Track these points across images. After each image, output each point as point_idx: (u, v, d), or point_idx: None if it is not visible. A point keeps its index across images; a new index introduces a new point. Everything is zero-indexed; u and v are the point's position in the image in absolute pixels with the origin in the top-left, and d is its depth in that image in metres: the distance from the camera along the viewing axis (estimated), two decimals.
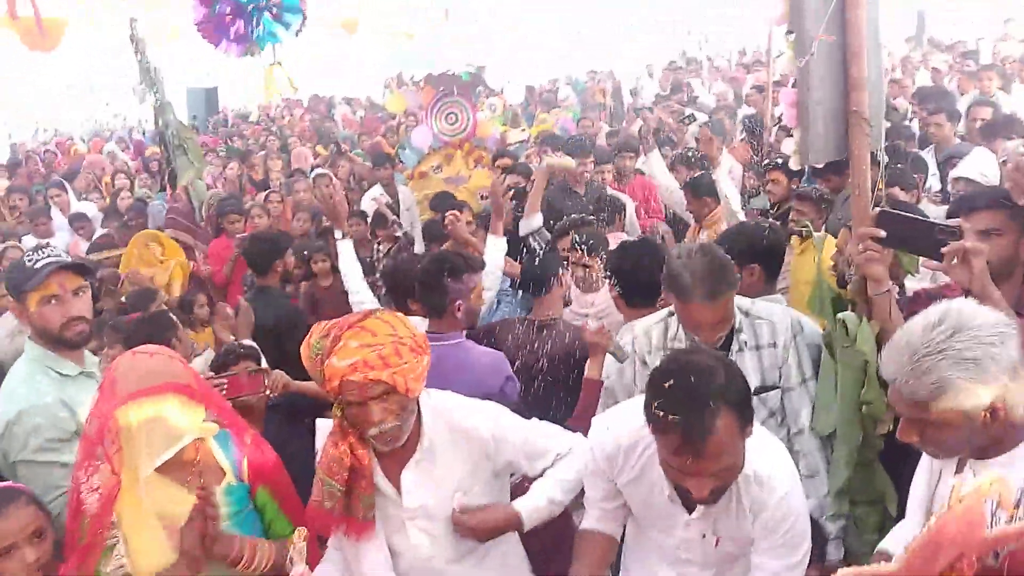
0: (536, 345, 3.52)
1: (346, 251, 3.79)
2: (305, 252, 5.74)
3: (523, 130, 9.89)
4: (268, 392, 2.98)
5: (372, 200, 6.99)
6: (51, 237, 7.39)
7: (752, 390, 2.01)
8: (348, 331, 2.03)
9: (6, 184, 10.06)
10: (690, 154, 6.43)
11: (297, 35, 3.35)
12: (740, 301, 2.66)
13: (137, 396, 1.97)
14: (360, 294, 3.74)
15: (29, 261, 2.53)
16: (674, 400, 1.78)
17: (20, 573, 2.12)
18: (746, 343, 2.64)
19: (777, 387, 2.65)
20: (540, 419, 2.40)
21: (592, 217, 4.72)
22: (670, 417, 1.77)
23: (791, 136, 2.59)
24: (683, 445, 1.78)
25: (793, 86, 2.38)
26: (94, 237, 7.26)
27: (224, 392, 2.74)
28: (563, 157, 4.88)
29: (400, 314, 2.21)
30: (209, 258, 6.31)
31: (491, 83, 7.95)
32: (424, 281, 3.25)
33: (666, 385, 1.81)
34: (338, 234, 3.82)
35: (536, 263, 3.71)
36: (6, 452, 2.44)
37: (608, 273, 3.30)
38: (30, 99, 16.75)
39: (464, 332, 3.32)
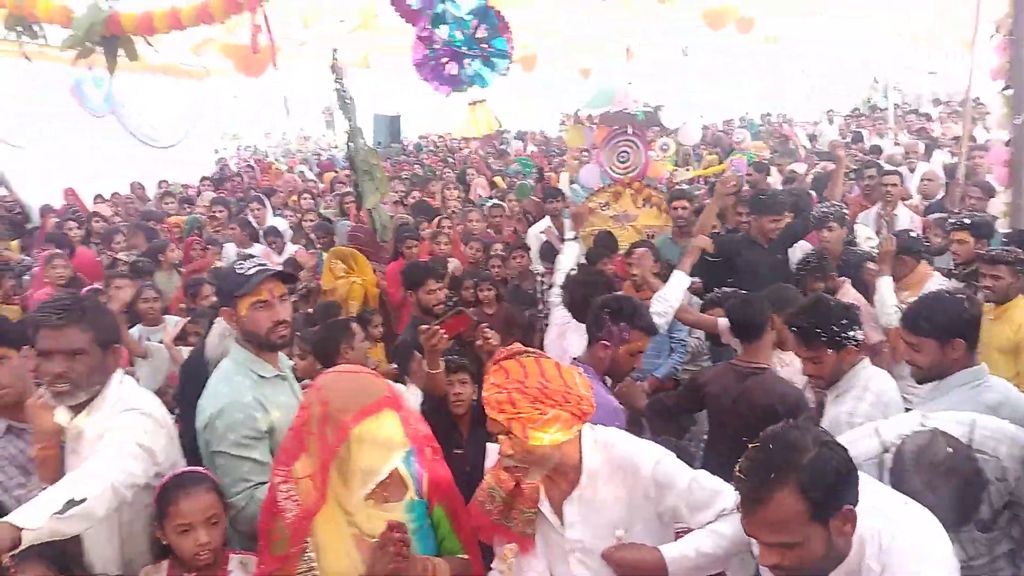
0: (741, 393, 3.52)
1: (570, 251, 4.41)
2: (474, 280, 5.95)
3: (687, 169, 9.77)
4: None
5: (540, 233, 7.11)
6: (249, 248, 8.06)
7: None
8: (494, 365, 2.13)
9: (211, 196, 11.07)
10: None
11: (504, 75, 3.53)
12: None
13: (363, 415, 1.99)
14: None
15: (240, 269, 2.74)
16: (748, 461, 1.80)
17: (191, 552, 2.32)
18: None
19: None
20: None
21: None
22: (738, 474, 1.81)
23: (991, 195, 2.44)
24: (742, 506, 1.81)
25: (1007, 144, 2.24)
26: (284, 252, 7.83)
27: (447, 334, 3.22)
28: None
29: (553, 362, 2.17)
30: (388, 279, 6.63)
31: (666, 122, 7.90)
32: (587, 310, 3.35)
33: (752, 446, 1.83)
34: (569, 234, 4.40)
35: (749, 309, 3.68)
36: (208, 442, 2.64)
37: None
38: (234, 119, 18.33)
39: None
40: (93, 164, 12.18)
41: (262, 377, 2.75)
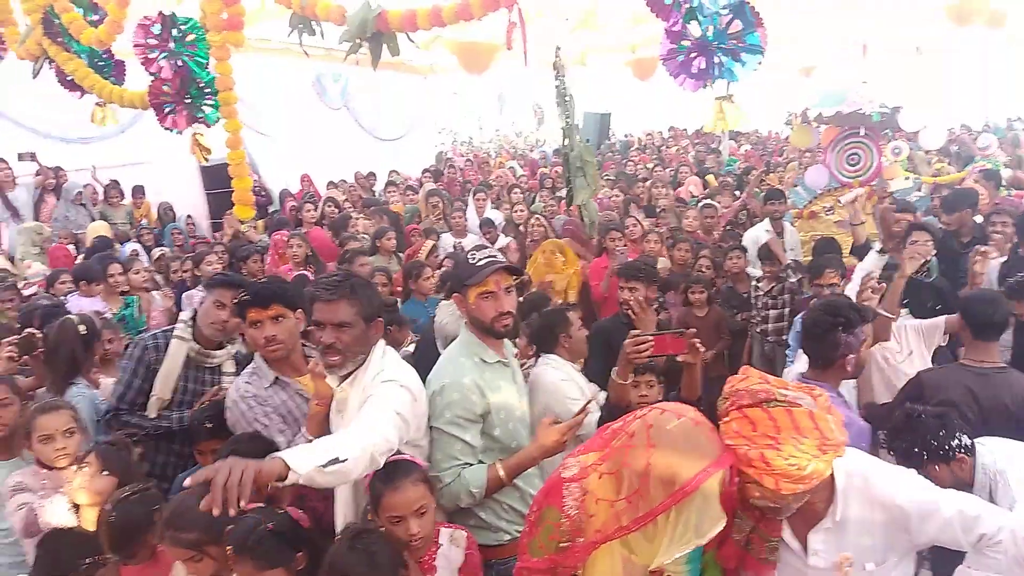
0: (989, 391, 3.32)
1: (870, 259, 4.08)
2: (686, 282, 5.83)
3: (906, 178, 8.97)
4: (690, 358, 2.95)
5: (766, 231, 6.83)
6: (464, 238, 8.39)
7: None
8: (735, 410, 1.93)
9: (431, 187, 11.62)
10: None
11: (755, 71, 3.40)
12: None
13: (702, 479, 1.77)
14: None
15: (471, 259, 2.85)
16: None
17: (404, 540, 2.39)
18: None
19: None
20: None
21: None
22: None
23: None
24: None
25: None
26: (497, 242, 8.07)
27: (651, 349, 2.83)
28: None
29: (805, 411, 1.93)
30: (591, 274, 6.66)
31: (904, 125, 7.32)
32: (812, 331, 3.09)
33: None
34: (876, 246, 4.04)
35: (995, 308, 3.48)
36: (429, 415, 2.76)
37: None
38: (452, 114, 19.11)
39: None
40: (327, 153, 13.14)
41: (484, 362, 2.83)
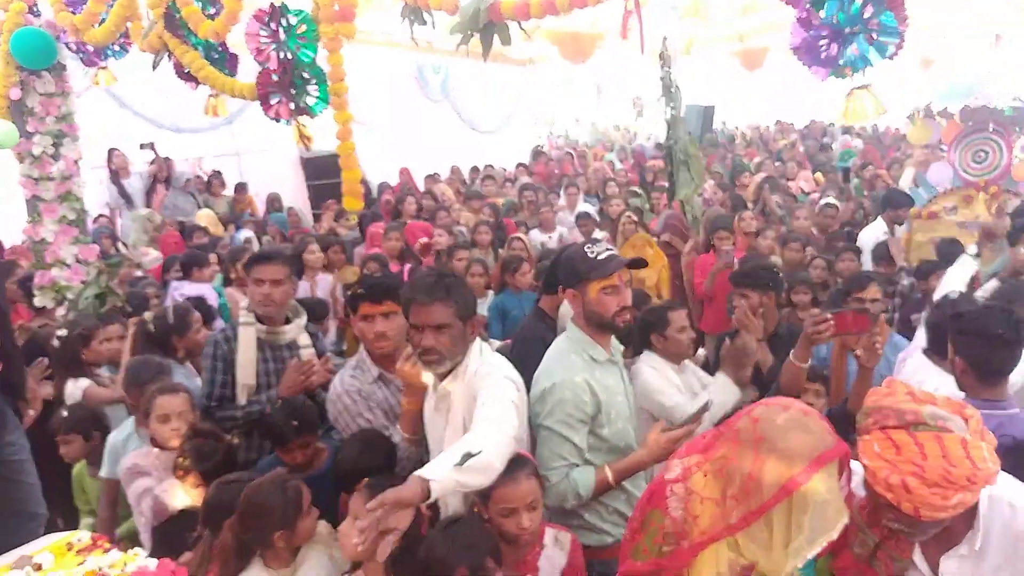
0: None
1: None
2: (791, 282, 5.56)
3: None
4: (876, 334, 2.87)
5: (884, 232, 6.48)
6: (553, 231, 8.32)
7: None
8: (878, 430, 1.80)
9: (526, 180, 11.59)
10: None
11: (892, 59, 3.16)
12: None
13: (814, 467, 1.67)
14: None
15: (591, 253, 2.78)
16: None
17: (514, 534, 2.38)
18: None
19: None
20: None
21: None
22: None
23: None
24: None
25: None
26: (592, 235, 7.95)
27: (833, 329, 2.81)
28: None
29: (957, 438, 1.77)
30: (696, 271, 6.48)
31: None
32: (990, 338, 2.62)
33: None
34: (971, 249, 4.00)
35: None
36: (536, 414, 2.73)
37: None
38: (549, 105, 19.04)
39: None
40: (425, 146, 13.26)
41: (594, 360, 2.79)
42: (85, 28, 5.48)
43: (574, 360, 2.76)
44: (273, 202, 11.06)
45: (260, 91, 4.69)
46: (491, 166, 13.15)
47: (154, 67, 5.52)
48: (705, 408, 2.81)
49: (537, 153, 15.64)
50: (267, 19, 4.57)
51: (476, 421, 2.36)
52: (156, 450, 3.17)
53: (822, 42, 3.21)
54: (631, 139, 19.27)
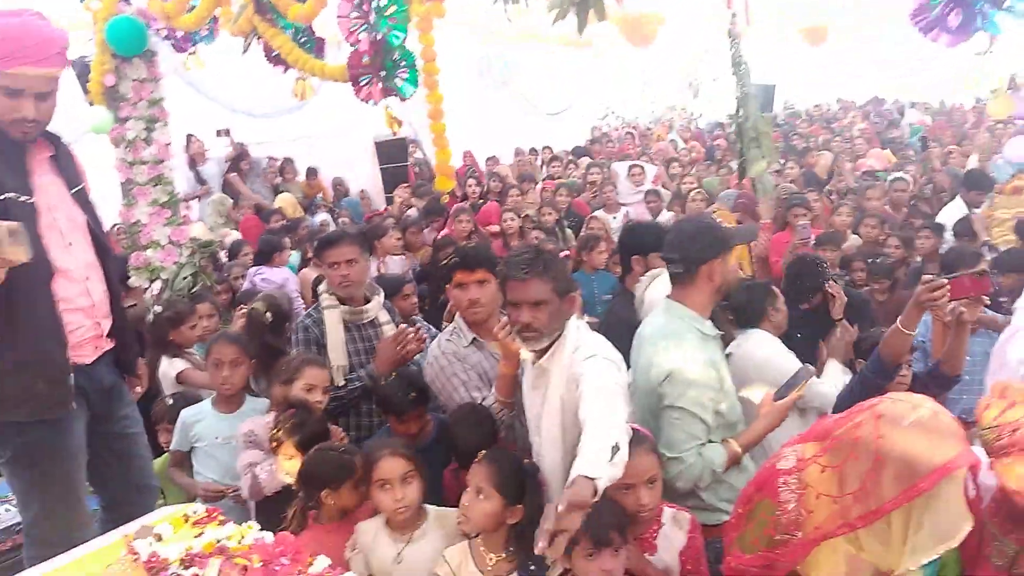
0: None
1: None
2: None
3: None
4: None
5: (961, 213, 6.35)
6: (617, 212, 8.32)
7: None
8: (1018, 452, 1.75)
9: (588, 160, 11.58)
10: None
11: None
12: None
13: (941, 475, 1.61)
14: None
15: (715, 227, 2.82)
16: None
17: (632, 509, 2.37)
18: None
19: None
20: None
21: None
22: None
23: None
24: None
25: None
26: (659, 215, 7.95)
27: (948, 294, 2.67)
28: None
29: None
30: (771, 248, 6.43)
31: None
32: None
33: None
34: None
35: None
36: (663, 395, 2.69)
37: None
38: (610, 87, 18.89)
39: None
40: (489, 128, 13.25)
41: (705, 335, 2.78)
42: (176, 15, 5.66)
43: (690, 338, 2.73)
44: (338, 186, 11.24)
45: (352, 73, 4.79)
46: (549, 148, 13.17)
47: (244, 51, 5.67)
48: (808, 372, 2.85)
49: (597, 134, 15.60)
50: (357, 1, 4.66)
51: (596, 412, 2.19)
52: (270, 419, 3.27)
53: (948, 8, 3.14)
54: (688, 119, 19.08)
